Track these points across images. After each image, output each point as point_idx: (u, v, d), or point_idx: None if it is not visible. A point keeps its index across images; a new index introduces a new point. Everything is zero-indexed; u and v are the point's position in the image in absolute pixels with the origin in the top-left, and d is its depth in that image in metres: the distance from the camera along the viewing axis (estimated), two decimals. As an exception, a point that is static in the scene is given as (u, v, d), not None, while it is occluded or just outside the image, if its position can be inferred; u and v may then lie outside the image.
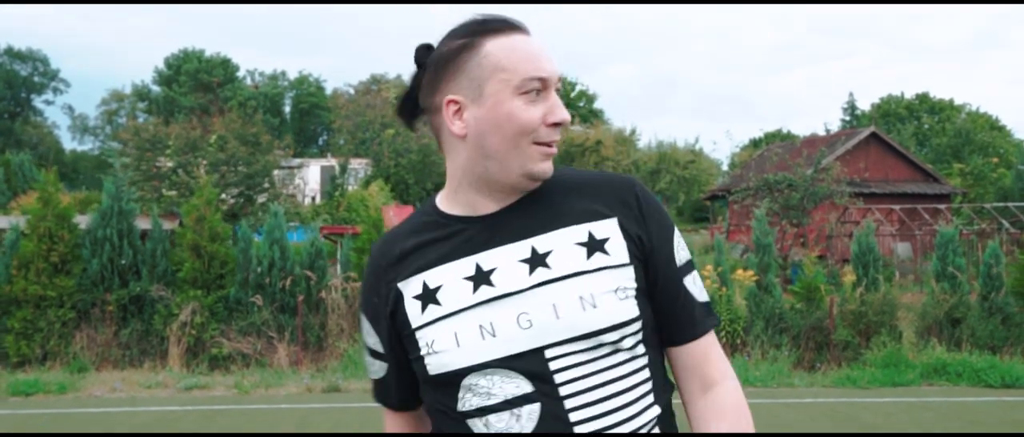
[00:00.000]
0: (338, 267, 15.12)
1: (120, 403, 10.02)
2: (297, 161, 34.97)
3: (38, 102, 73.60)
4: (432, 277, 1.64)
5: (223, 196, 23.98)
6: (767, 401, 9.99)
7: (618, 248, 1.63)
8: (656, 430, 1.63)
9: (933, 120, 66.18)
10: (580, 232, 1.63)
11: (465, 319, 1.59)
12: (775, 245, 23.40)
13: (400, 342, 1.68)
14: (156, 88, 68.22)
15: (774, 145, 38.32)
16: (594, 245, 1.62)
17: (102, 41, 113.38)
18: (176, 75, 65.39)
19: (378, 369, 1.78)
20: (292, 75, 76.57)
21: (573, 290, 1.58)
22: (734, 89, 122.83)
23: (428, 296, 1.63)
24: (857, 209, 25.70)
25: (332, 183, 35.79)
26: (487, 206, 1.65)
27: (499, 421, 1.57)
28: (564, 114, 1.61)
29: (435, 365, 1.60)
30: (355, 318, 12.58)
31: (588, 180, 1.71)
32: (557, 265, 1.60)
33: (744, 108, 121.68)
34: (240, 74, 70.50)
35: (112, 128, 74.38)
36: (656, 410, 1.63)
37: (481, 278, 1.61)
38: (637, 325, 1.61)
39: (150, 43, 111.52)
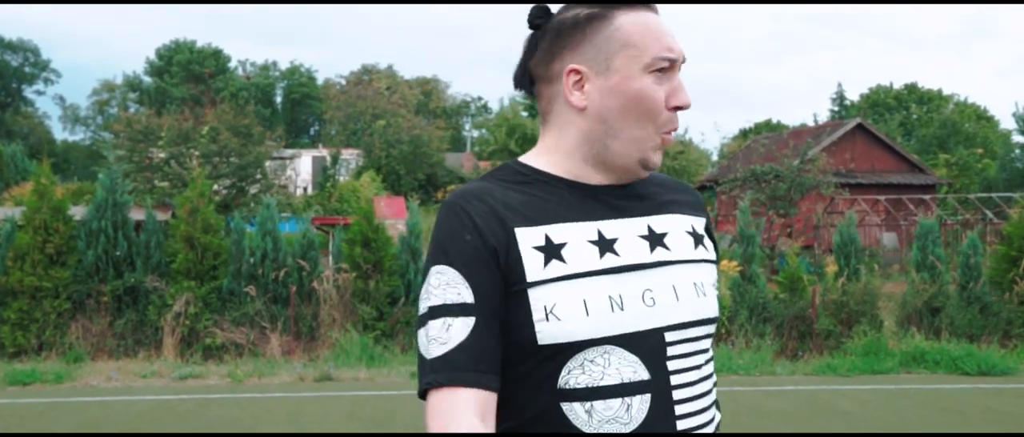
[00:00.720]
0: (330, 258, 15.31)
1: (116, 392, 10.22)
2: (289, 152, 35.19)
3: (29, 92, 73.60)
4: (555, 232, 1.50)
5: (215, 187, 24.14)
6: (750, 389, 10.24)
7: (710, 245, 1.66)
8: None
9: (922, 110, 66.49)
10: (686, 222, 1.62)
11: (594, 285, 1.47)
12: (763, 235, 23.72)
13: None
14: (147, 79, 68.29)
15: (761, 136, 38.51)
16: (697, 237, 1.63)
17: (93, 31, 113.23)
18: (168, 66, 65.44)
19: (458, 329, 1.43)
20: (283, 65, 76.71)
21: (689, 275, 1.56)
22: (725, 80, 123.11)
23: (552, 250, 1.48)
24: (843, 199, 25.99)
25: (324, 174, 35.97)
26: (598, 180, 1.57)
27: (607, 409, 1.45)
28: (687, 98, 1.54)
29: (550, 334, 1.45)
30: (347, 308, 12.79)
31: (671, 179, 1.71)
32: (675, 248, 1.57)
33: (734, 99, 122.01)
34: (231, 65, 70.60)
35: (103, 118, 74.38)
36: (718, 415, 1.62)
37: (605, 245, 1.51)
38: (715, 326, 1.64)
39: (141, 34, 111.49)
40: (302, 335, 12.81)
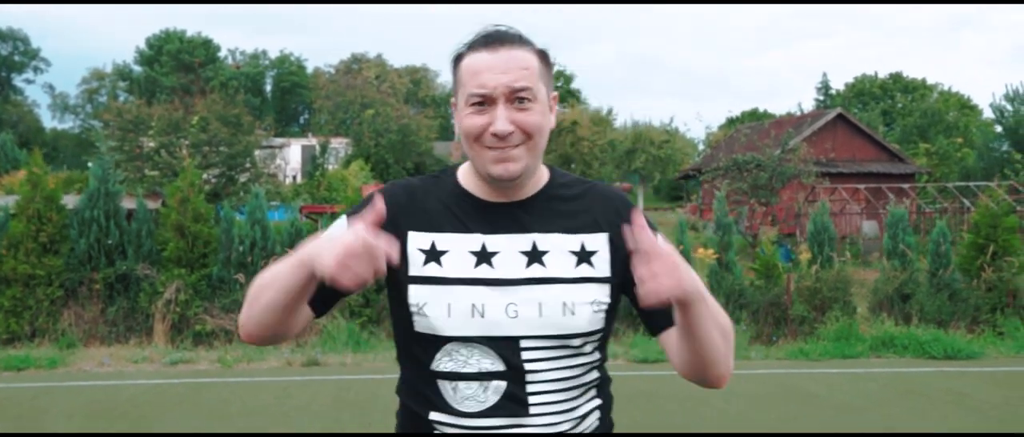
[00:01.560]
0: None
1: (109, 377, 10.51)
2: (279, 141, 35.40)
3: (18, 81, 73.63)
4: (442, 240, 1.85)
5: (205, 176, 24.37)
6: (722, 372, 10.58)
7: (603, 262, 1.87)
8: (597, 417, 1.93)
9: (906, 99, 66.91)
10: (574, 241, 1.86)
11: (460, 292, 1.81)
12: (746, 223, 24.05)
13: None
14: (138, 68, 68.37)
15: (743, 126, 38.94)
16: (583, 256, 1.86)
17: (83, 20, 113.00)
18: (158, 55, 65.56)
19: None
20: (273, 54, 76.85)
21: (558, 295, 1.82)
22: (713, 69, 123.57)
23: (433, 254, 1.84)
24: (823, 188, 26.38)
25: (313, 163, 36.25)
26: (494, 196, 1.88)
27: (467, 389, 1.81)
28: (498, 126, 1.78)
29: (422, 325, 1.82)
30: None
31: (587, 190, 1.94)
32: (550, 266, 1.83)
33: (722, 88, 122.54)
34: (222, 54, 70.71)
35: (93, 107, 74.45)
36: (597, 402, 1.94)
37: (484, 257, 1.83)
38: (599, 336, 1.88)
39: (131, 22, 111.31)
40: (290, 322, 13.10)
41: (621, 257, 1.85)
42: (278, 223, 14.48)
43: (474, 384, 1.81)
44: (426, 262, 1.83)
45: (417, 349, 1.86)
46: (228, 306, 12.94)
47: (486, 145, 1.81)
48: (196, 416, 8.21)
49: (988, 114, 54.02)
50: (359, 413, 8.28)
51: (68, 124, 76.88)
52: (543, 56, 1.86)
